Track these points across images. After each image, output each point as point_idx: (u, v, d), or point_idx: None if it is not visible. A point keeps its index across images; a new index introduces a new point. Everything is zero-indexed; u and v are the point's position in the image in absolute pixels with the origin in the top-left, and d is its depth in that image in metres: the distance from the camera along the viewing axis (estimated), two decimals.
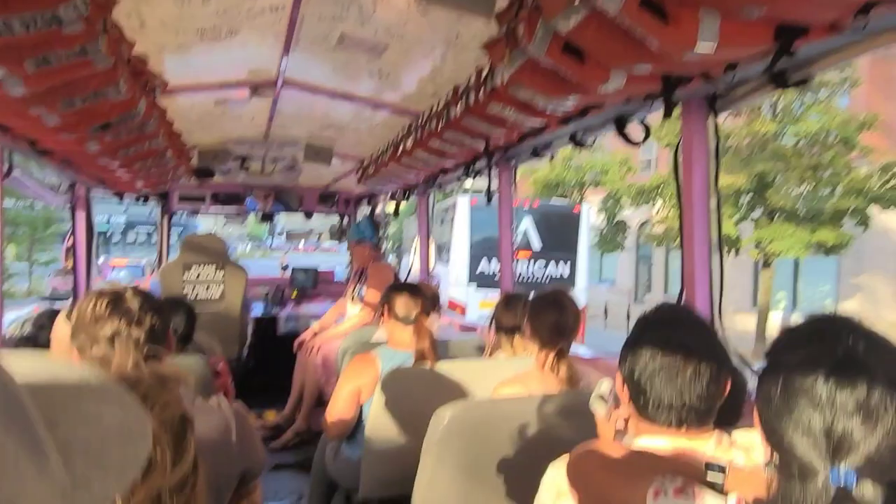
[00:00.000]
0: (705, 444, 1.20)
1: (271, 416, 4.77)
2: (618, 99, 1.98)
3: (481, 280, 11.49)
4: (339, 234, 5.98)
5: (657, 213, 16.37)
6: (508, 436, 1.84)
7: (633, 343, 1.31)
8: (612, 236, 20.12)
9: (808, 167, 13.80)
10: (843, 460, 0.78)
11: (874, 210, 13.79)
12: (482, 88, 2.37)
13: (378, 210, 6.46)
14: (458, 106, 2.62)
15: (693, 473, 1.02)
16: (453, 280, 11.54)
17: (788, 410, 0.83)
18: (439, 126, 2.89)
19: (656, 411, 1.25)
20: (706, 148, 2.05)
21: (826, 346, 0.84)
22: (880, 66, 15.87)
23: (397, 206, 5.42)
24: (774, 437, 0.85)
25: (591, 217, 14.21)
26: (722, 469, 0.99)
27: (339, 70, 2.87)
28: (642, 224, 20.33)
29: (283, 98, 3.41)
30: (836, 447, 0.79)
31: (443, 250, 12.41)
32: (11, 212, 18.90)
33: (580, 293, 11.72)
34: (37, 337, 2.65)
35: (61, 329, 2.03)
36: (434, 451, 1.85)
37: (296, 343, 4.50)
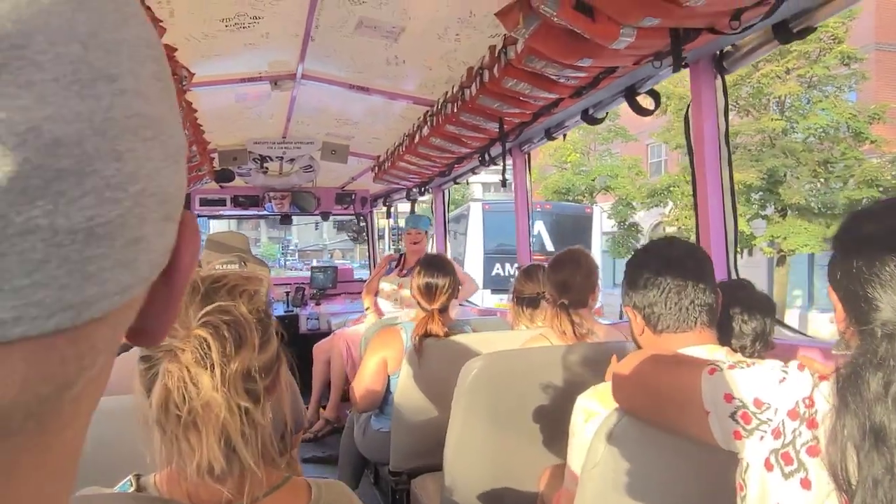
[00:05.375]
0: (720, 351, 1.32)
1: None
2: (629, 59, 2.06)
3: (496, 284, 11.54)
4: (356, 234, 6.07)
5: (669, 212, 16.39)
6: (533, 383, 1.91)
7: (635, 278, 1.44)
8: (624, 240, 20.13)
9: (819, 162, 13.81)
10: None
11: None
12: (496, 64, 2.46)
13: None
14: (474, 86, 2.71)
15: None
16: None
17: (876, 274, 0.87)
18: (455, 108, 2.98)
19: (670, 322, 1.36)
20: (715, 106, 2.13)
21: None
22: (888, 60, 15.89)
23: (413, 203, 5.52)
24: (859, 305, 0.89)
25: (602, 221, 14.24)
26: None
27: (357, 58, 2.97)
28: (655, 226, 20.33)
29: (301, 92, 3.52)
30: None
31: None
32: None
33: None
34: None
35: None
36: (464, 402, 1.93)
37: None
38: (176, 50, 2.43)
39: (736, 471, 1.01)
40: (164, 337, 0.33)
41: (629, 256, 1.55)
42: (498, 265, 11.79)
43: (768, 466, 0.93)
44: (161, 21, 2.03)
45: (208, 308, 0.82)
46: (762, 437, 0.95)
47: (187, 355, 0.78)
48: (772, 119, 14.36)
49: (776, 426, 0.94)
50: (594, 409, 1.37)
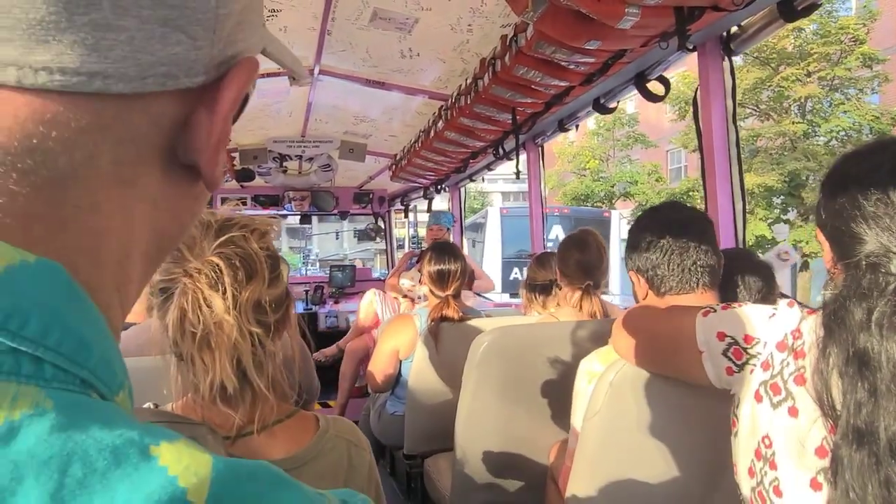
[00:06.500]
0: None
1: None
2: (636, 41, 2.10)
3: (514, 289, 11.55)
4: (374, 233, 6.16)
5: None
6: (543, 357, 1.95)
7: (638, 241, 1.45)
8: None
9: None
10: None
11: None
12: (508, 53, 2.51)
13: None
14: (486, 76, 2.76)
15: None
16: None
17: (859, 209, 0.89)
18: (468, 100, 3.04)
19: (673, 284, 1.38)
20: (723, 87, 2.15)
21: (887, 152, 0.92)
22: None
23: (430, 202, 5.58)
24: (844, 241, 0.91)
25: (622, 227, 14.21)
26: None
27: (373, 51, 3.05)
28: None
29: (319, 89, 3.60)
30: None
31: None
32: None
33: (614, 299, 11.70)
34: None
35: None
36: (474, 376, 1.97)
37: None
38: None
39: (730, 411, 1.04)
40: (218, 181, 0.36)
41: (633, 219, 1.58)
42: (516, 269, 11.81)
43: (758, 398, 0.96)
44: None
45: (222, 239, 0.87)
46: (752, 371, 0.98)
47: (202, 279, 0.84)
48: (793, 122, 14.25)
49: (765, 359, 0.97)
50: (596, 370, 1.41)
